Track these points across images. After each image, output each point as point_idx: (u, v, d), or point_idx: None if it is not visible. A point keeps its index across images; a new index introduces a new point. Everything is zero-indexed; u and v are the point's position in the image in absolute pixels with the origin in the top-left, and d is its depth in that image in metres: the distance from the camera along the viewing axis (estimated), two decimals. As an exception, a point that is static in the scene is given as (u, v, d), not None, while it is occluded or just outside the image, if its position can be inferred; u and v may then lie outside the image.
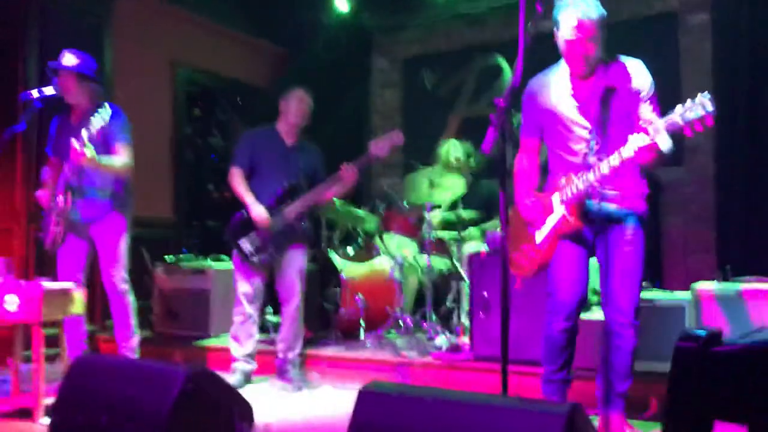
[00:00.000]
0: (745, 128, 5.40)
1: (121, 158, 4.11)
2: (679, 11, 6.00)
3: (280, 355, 4.26)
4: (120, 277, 4.21)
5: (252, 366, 4.29)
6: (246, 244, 4.19)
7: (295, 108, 4.31)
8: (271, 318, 5.16)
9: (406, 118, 7.18)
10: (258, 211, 4.13)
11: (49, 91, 4.10)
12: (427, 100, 7.17)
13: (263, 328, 4.80)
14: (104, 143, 4.09)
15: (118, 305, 4.25)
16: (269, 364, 4.53)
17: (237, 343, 4.27)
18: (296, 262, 4.23)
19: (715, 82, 5.68)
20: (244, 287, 4.25)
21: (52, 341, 3.72)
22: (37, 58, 5.17)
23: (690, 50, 5.93)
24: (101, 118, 3.83)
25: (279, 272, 4.24)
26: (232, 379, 4.09)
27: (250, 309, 4.24)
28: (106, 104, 4.00)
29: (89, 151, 3.81)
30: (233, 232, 4.24)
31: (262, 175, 4.27)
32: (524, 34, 2.49)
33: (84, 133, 3.82)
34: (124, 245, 4.23)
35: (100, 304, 5.30)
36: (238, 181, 4.25)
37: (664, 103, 5.86)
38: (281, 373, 4.26)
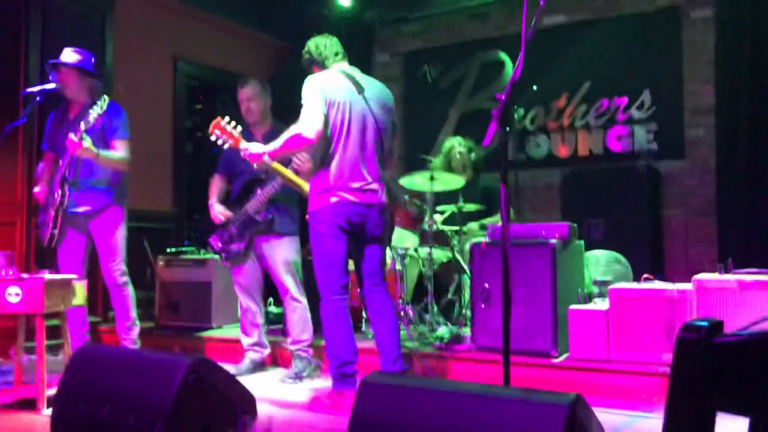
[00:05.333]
0: (746, 121, 5.40)
1: (119, 153, 4.12)
2: (682, 5, 5.99)
3: (288, 347, 4.29)
4: (119, 270, 4.22)
5: (260, 354, 4.39)
6: (216, 241, 4.34)
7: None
8: (272, 309, 5.20)
9: (407, 111, 7.16)
10: (213, 211, 4.31)
11: (49, 86, 4.11)
12: (428, 94, 7.16)
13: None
14: (103, 139, 4.10)
15: (118, 297, 4.27)
16: (269, 355, 4.55)
17: (243, 333, 4.41)
18: (277, 254, 4.21)
19: (718, 75, 5.67)
20: (234, 279, 4.41)
21: (54, 332, 3.73)
22: (38, 51, 5.17)
23: (693, 44, 5.92)
24: (99, 107, 3.85)
25: (267, 266, 4.28)
26: (239, 366, 4.25)
27: (245, 300, 4.35)
28: (105, 96, 4.01)
29: (86, 141, 3.83)
30: (208, 231, 4.38)
31: (237, 175, 4.36)
32: (526, 28, 2.48)
33: (82, 125, 3.83)
34: (122, 237, 4.24)
35: (101, 296, 5.32)
36: (210, 186, 4.46)
37: (667, 97, 5.92)
38: (288, 363, 4.29)
